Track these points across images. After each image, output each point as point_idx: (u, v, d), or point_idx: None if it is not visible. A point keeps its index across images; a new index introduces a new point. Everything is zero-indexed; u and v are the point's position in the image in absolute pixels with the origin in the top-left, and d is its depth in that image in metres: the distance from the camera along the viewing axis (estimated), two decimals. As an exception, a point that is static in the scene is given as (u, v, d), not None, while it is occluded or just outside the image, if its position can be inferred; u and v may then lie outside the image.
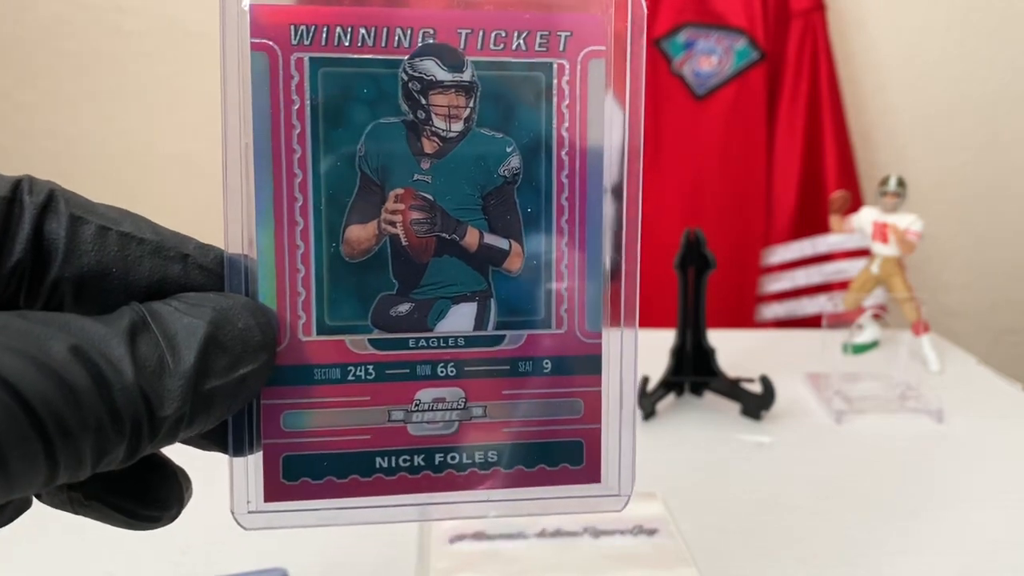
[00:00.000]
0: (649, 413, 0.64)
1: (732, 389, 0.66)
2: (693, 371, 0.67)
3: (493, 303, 0.23)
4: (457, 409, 0.23)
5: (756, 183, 1.34)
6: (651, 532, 0.44)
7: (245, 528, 0.22)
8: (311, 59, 0.21)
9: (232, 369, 0.19)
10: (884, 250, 0.81)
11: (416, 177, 0.22)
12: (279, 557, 0.44)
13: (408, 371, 0.23)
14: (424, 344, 0.23)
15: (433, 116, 0.22)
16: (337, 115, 0.22)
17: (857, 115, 1.42)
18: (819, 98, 1.32)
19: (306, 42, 0.21)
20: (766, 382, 0.65)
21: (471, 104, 0.22)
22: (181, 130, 1.45)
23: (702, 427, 0.64)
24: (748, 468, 0.57)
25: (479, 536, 0.43)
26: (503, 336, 0.23)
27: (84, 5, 1.42)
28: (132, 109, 1.46)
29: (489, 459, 0.23)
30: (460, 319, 0.23)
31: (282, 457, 0.22)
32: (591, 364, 0.24)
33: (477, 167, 0.22)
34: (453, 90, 0.22)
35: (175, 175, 1.46)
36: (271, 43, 0.21)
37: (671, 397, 0.68)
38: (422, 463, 0.23)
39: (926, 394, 0.68)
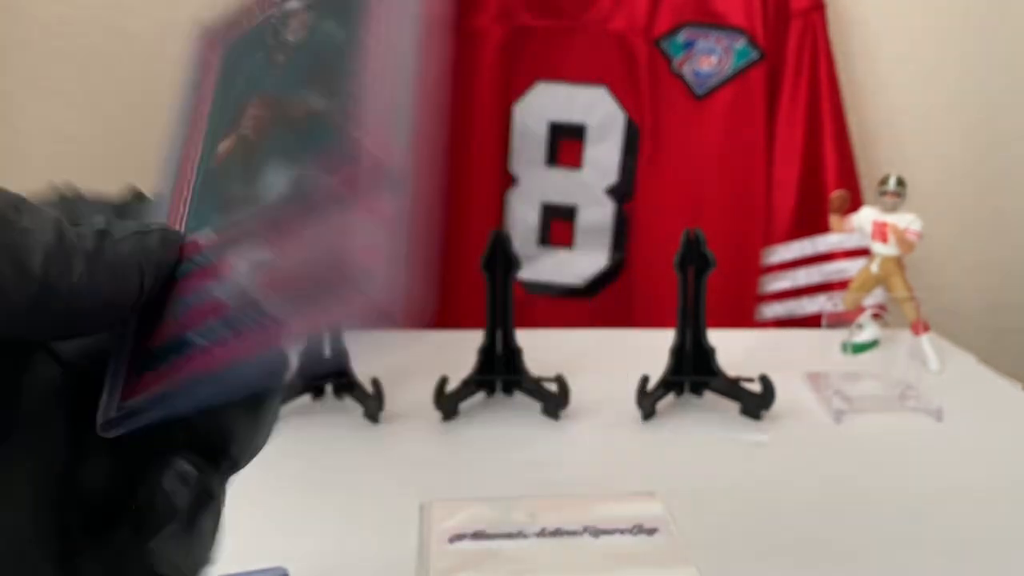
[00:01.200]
0: (649, 413, 0.64)
1: (732, 389, 0.66)
2: (693, 371, 0.67)
3: None
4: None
5: (756, 183, 1.34)
6: (651, 532, 0.44)
7: (108, 435, 0.22)
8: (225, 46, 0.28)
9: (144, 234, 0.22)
10: (884, 250, 0.81)
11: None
12: (279, 557, 0.44)
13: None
14: None
15: None
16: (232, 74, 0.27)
17: (857, 115, 1.42)
18: (819, 98, 1.32)
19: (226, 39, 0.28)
20: (766, 382, 0.65)
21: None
22: (181, 130, 1.44)
23: (702, 427, 0.64)
24: (748, 468, 0.57)
25: (479, 536, 0.43)
26: None
27: (84, 5, 1.42)
28: (132, 109, 1.46)
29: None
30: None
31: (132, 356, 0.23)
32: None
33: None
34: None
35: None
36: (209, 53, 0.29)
37: (671, 397, 0.68)
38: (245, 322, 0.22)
39: (926, 393, 0.68)
